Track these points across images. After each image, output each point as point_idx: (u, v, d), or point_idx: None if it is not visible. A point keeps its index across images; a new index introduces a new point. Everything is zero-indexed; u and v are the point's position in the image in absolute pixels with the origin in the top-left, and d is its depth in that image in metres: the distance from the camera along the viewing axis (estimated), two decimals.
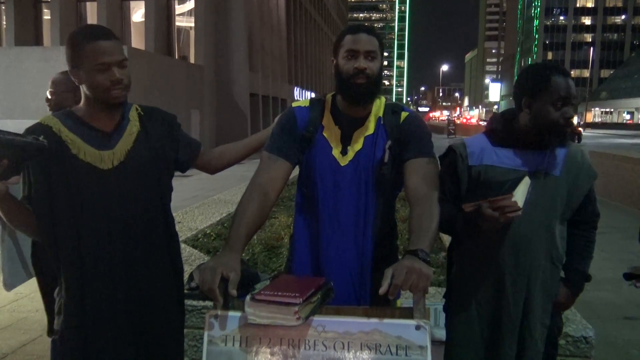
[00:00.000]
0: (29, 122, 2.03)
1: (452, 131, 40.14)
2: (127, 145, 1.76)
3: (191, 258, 3.43)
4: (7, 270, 2.77)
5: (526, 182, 1.68)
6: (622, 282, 2.01)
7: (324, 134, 1.86)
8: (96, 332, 1.74)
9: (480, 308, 1.88)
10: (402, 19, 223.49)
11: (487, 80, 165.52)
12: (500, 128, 1.89)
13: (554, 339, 1.97)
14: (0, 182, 1.52)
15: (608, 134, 52.80)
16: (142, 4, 22.08)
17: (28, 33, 19.80)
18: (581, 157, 1.90)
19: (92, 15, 20.58)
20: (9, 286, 2.81)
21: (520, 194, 1.61)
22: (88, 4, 21.64)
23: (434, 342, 1.57)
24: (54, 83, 2.63)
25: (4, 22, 20.18)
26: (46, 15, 20.39)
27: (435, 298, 2.77)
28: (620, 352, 2.30)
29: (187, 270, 3.05)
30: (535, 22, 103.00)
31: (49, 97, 2.64)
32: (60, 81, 2.61)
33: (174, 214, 1.89)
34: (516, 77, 1.94)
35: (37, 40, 20.15)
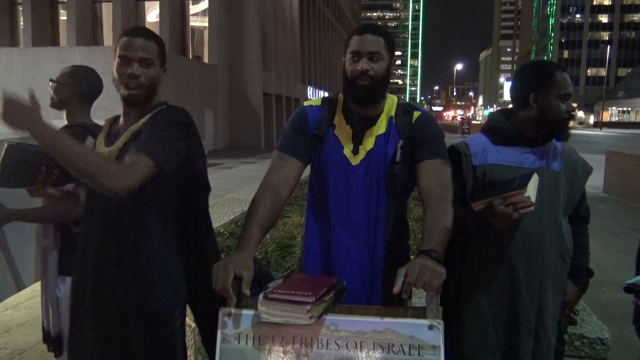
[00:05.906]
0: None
1: (467, 130, 39.77)
2: (122, 142, 1.74)
3: None
4: None
5: (535, 177, 1.69)
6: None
7: (335, 133, 1.86)
8: (73, 330, 1.83)
9: (493, 309, 1.86)
10: (416, 17, 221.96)
11: (501, 79, 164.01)
12: (502, 126, 1.91)
13: (560, 336, 1.99)
14: (56, 189, 1.80)
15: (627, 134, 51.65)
16: (157, 4, 22.27)
17: (45, 34, 20.04)
18: (575, 153, 1.97)
19: (107, 16, 20.79)
20: None
21: (531, 190, 1.61)
22: (104, 4, 21.88)
23: None
24: (61, 72, 2.47)
25: (21, 23, 20.46)
26: (62, 16, 20.63)
27: None
28: (636, 354, 2.28)
29: None
30: (551, 21, 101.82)
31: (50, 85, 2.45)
32: (64, 72, 2.46)
33: None
34: (515, 77, 1.96)
35: (54, 41, 20.39)
